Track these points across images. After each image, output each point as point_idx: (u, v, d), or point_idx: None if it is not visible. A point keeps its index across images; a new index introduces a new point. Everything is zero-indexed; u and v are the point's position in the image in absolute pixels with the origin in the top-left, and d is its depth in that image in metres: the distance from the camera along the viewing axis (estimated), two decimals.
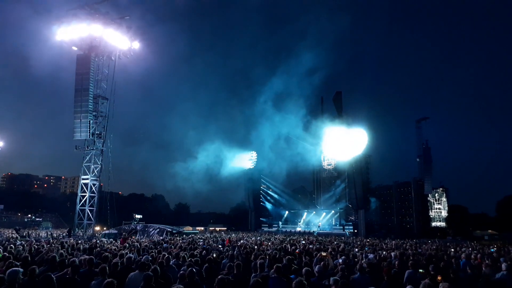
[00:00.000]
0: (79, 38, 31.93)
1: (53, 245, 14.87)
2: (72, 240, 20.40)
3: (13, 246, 12.60)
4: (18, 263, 7.56)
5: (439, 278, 7.17)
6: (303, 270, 7.00)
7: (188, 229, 52.47)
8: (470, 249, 20.39)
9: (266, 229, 67.88)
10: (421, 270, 8.44)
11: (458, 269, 10.38)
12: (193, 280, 6.27)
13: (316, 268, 7.54)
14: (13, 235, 29.13)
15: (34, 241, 18.71)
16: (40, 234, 32.51)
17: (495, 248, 22.31)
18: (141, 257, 9.76)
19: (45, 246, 13.84)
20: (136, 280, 6.48)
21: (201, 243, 18.61)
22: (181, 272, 6.76)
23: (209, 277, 7.60)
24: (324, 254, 10.21)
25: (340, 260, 10.19)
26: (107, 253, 9.85)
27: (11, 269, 5.46)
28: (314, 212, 69.30)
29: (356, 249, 16.97)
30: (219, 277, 5.74)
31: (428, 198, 78.32)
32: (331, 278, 6.12)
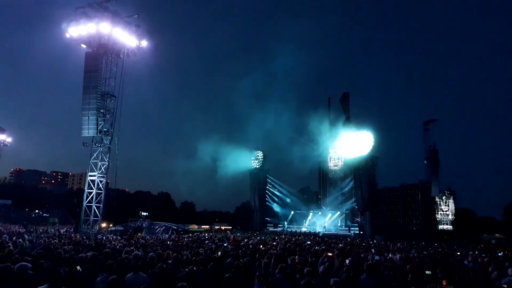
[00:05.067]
0: (87, 36, 32.11)
1: (60, 240, 15.00)
2: (78, 236, 20.57)
3: (21, 241, 12.74)
4: (30, 258, 7.64)
5: (444, 283, 7.11)
6: (305, 270, 6.98)
7: (193, 227, 52.72)
8: (476, 252, 20.21)
9: (271, 229, 67.75)
10: (427, 272, 8.37)
11: (465, 272, 10.27)
12: (193, 279, 6.28)
13: (320, 269, 7.52)
14: (21, 230, 29.44)
15: (42, 236, 18.88)
16: (47, 230, 32.80)
17: (502, 253, 22.07)
18: (146, 254, 9.81)
19: (52, 241, 13.95)
20: (132, 282, 6.41)
21: (206, 241, 18.66)
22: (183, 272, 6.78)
23: (214, 276, 7.63)
24: (330, 254, 10.18)
25: (347, 261, 10.14)
26: (107, 249, 9.89)
27: (20, 264, 5.52)
28: (319, 213, 69.02)
29: (362, 251, 16.90)
30: (226, 275, 5.75)
31: (435, 201, 77.70)
32: (332, 280, 6.11)
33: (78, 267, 7.59)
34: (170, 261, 8.47)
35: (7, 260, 7.17)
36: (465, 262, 12.20)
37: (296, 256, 12.58)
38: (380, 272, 8.68)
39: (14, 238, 15.69)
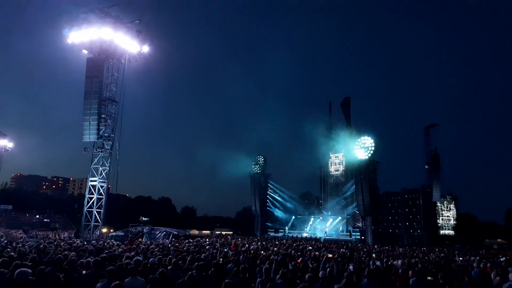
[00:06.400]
0: (89, 42, 32.21)
1: (60, 246, 14.96)
2: (79, 242, 20.52)
3: (21, 246, 12.72)
4: (30, 264, 7.62)
5: None
6: (306, 276, 6.98)
7: (194, 232, 52.58)
8: (478, 258, 20.13)
9: (272, 234, 67.63)
10: (429, 278, 8.34)
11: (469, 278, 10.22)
12: (193, 285, 6.25)
13: (320, 274, 7.50)
14: (21, 235, 29.41)
15: (43, 241, 18.83)
16: (48, 235, 32.73)
17: (504, 258, 21.98)
18: (147, 260, 9.78)
19: (52, 247, 13.93)
20: (130, 286, 6.35)
21: (207, 247, 18.60)
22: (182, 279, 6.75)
23: (215, 282, 7.61)
24: (330, 255, 10.17)
25: (351, 267, 10.11)
26: (104, 255, 9.87)
27: (20, 269, 5.50)
28: (320, 218, 68.90)
29: (364, 256, 16.85)
30: (226, 281, 5.74)
31: (437, 206, 77.47)
32: (335, 286, 6.09)
33: (84, 271, 7.59)
34: (169, 267, 8.43)
35: (9, 266, 7.17)
36: (469, 269, 12.13)
37: (300, 259, 12.59)
38: (381, 277, 8.64)
39: (14, 243, 15.68)
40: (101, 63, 32.32)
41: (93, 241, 23.50)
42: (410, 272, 8.59)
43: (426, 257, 18.40)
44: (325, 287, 6.91)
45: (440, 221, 77.89)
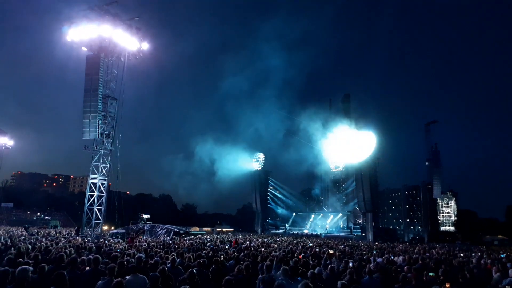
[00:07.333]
0: (88, 39, 32.12)
1: (61, 243, 14.98)
2: (79, 239, 20.55)
3: (22, 244, 12.72)
4: (31, 261, 7.63)
5: (447, 285, 7.06)
6: (309, 272, 6.96)
7: (195, 229, 52.65)
8: (479, 254, 20.14)
9: (273, 231, 67.71)
10: (431, 274, 8.32)
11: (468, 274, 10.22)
12: (194, 282, 6.25)
13: (316, 270, 7.47)
14: (23, 233, 29.43)
15: (43, 239, 18.86)
16: (50, 233, 32.78)
17: (505, 254, 21.98)
18: (149, 258, 9.79)
19: (54, 244, 13.94)
20: (132, 283, 6.32)
21: (208, 243, 18.62)
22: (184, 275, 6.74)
23: (216, 279, 7.60)
24: (331, 252, 10.18)
25: (350, 264, 10.10)
26: (116, 253, 9.88)
27: (21, 267, 5.49)
28: (321, 215, 68.97)
29: (364, 253, 16.86)
30: (226, 278, 5.74)
31: (437, 202, 77.55)
32: (339, 282, 6.08)
33: (88, 268, 7.59)
34: (169, 265, 8.43)
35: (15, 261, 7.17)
36: (470, 265, 12.13)
37: (302, 255, 12.59)
38: (382, 274, 8.65)
39: (15, 240, 15.70)
40: (100, 60, 32.22)
41: (88, 237, 23.56)
42: (405, 267, 8.58)
43: (427, 253, 18.40)
44: (316, 283, 6.90)
45: (440, 218, 78.03)
